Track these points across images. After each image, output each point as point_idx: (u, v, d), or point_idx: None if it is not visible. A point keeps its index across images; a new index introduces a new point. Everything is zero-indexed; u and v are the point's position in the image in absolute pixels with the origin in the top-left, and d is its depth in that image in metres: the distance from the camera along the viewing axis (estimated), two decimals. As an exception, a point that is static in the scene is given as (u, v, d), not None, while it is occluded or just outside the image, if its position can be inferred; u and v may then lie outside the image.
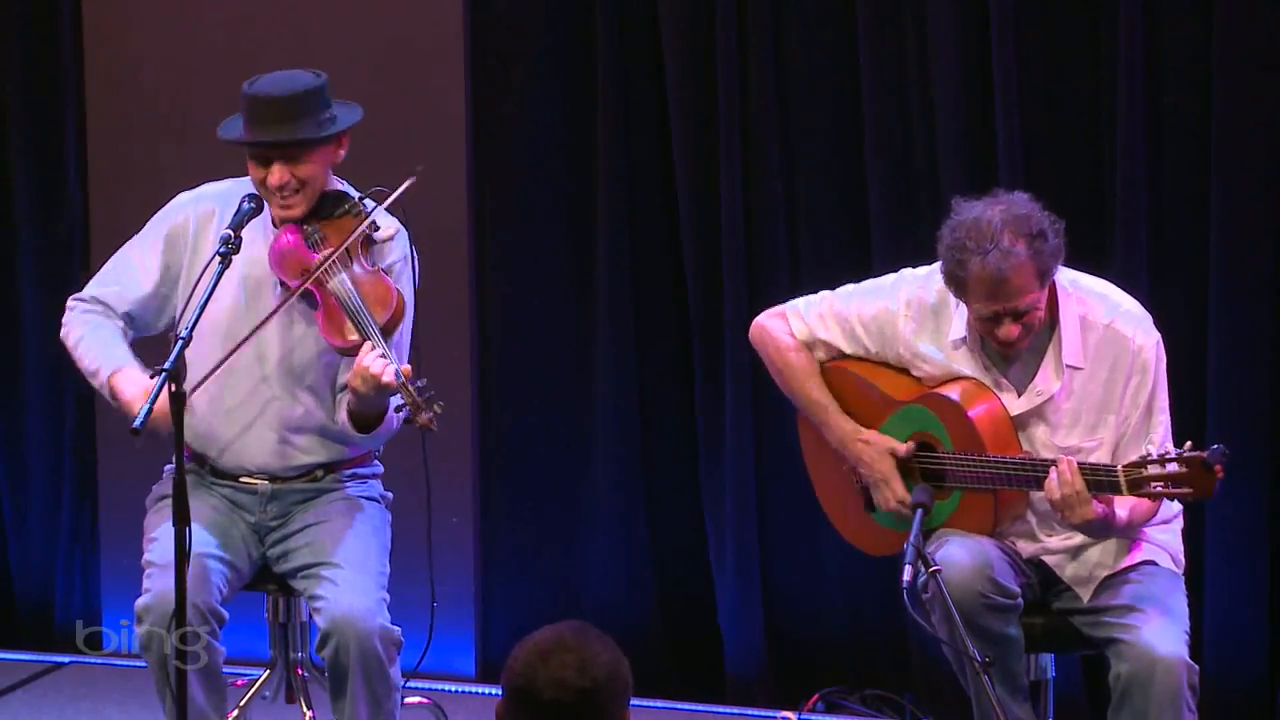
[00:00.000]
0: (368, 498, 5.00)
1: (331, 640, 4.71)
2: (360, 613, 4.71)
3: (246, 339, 4.74)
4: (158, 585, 4.72)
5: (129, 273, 4.97)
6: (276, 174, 4.80)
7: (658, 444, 6.25)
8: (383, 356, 4.65)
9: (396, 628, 4.76)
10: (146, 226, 5.01)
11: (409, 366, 4.68)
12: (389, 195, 4.83)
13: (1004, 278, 4.53)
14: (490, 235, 6.26)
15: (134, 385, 4.75)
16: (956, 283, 4.61)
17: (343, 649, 4.69)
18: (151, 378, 4.58)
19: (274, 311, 4.77)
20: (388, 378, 4.61)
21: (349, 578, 4.77)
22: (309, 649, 5.09)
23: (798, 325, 4.92)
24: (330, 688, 4.77)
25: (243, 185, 4.96)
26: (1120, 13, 5.59)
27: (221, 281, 4.66)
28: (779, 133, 6.00)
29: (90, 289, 4.98)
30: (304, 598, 4.89)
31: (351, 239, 4.77)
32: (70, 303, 4.98)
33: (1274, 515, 5.67)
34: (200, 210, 4.97)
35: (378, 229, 4.86)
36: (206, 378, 4.68)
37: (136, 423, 4.52)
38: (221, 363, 4.71)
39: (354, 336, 4.74)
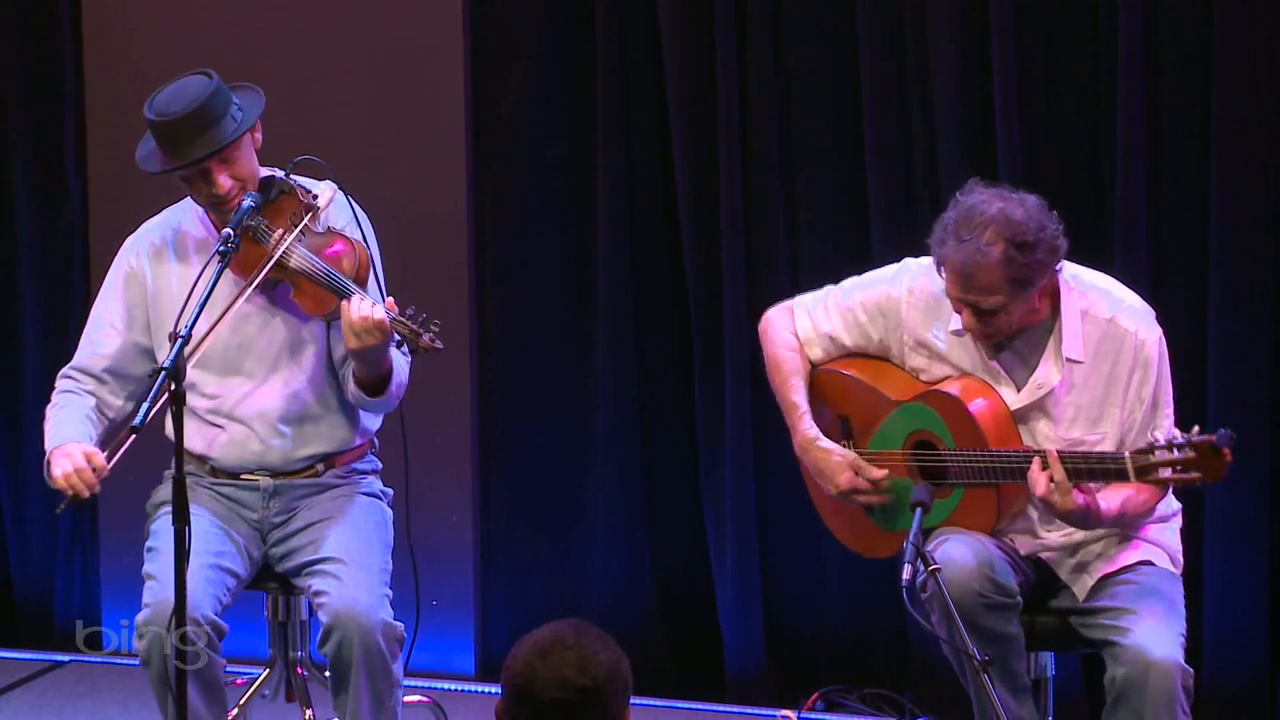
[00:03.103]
0: (368, 494, 5.01)
1: (334, 635, 4.71)
2: (363, 607, 4.72)
3: (220, 318, 4.73)
4: (156, 598, 4.72)
5: (98, 331, 5.01)
6: (222, 182, 4.82)
7: (658, 444, 6.25)
8: (364, 301, 4.68)
9: (399, 623, 4.77)
10: (105, 281, 5.05)
11: (391, 300, 4.71)
12: (318, 163, 4.86)
13: (970, 272, 4.55)
14: (490, 235, 6.26)
15: (63, 461, 4.73)
16: (937, 259, 4.64)
17: (345, 644, 4.69)
18: (151, 377, 4.59)
19: (246, 288, 4.77)
20: (379, 315, 4.64)
21: (351, 573, 4.78)
22: (309, 648, 5.10)
23: (802, 321, 4.91)
24: (332, 684, 4.77)
25: (180, 211, 5.01)
26: (1120, 12, 5.59)
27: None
28: (779, 133, 6.00)
29: (74, 360, 5.01)
30: (306, 595, 4.89)
31: (304, 222, 4.79)
32: (57, 380, 5.01)
33: (1274, 515, 5.67)
34: (147, 244, 5.00)
35: (314, 197, 4.86)
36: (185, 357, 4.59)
37: (136, 421, 4.51)
38: (199, 345, 4.69)
39: (332, 298, 4.77)
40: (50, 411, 4.96)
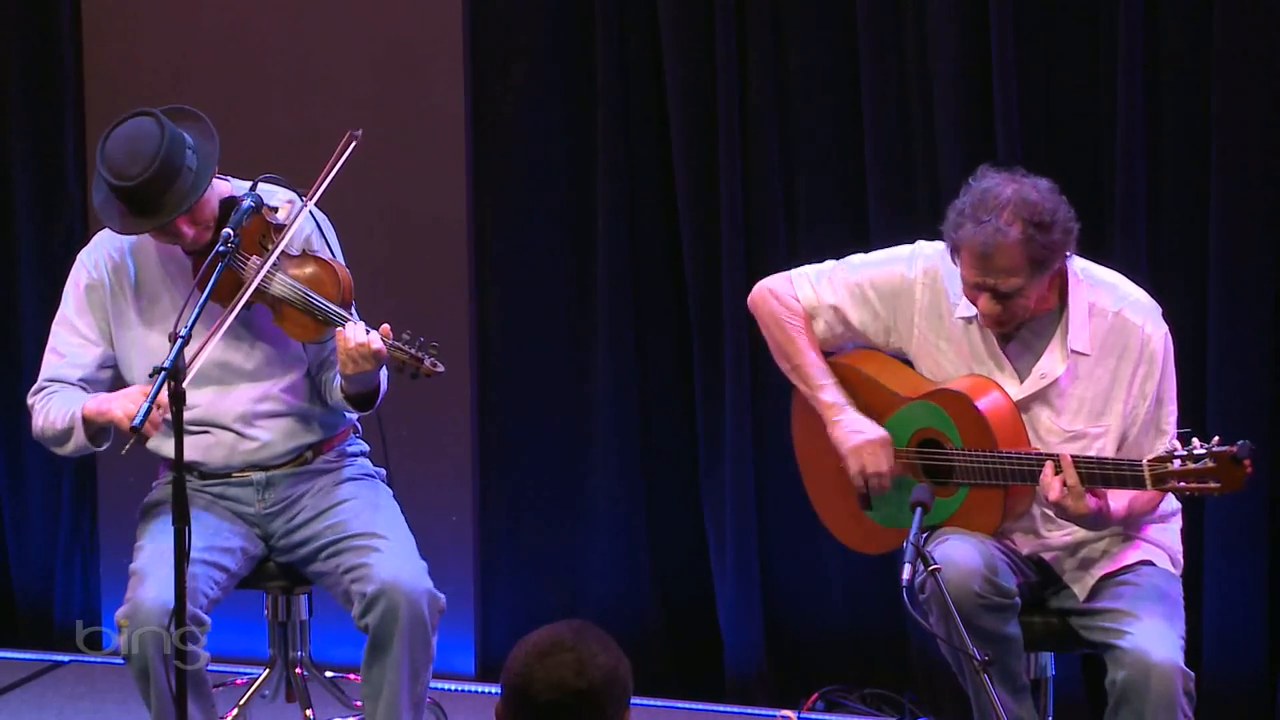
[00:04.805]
0: (365, 475, 5.04)
1: (379, 604, 4.71)
2: (410, 575, 4.75)
3: (201, 348, 4.70)
4: (138, 595, 4.72)
5: (67, 344, 4.97)
6: (186, 233, 4.80)
7: (658, 444, 6.25)
8: (359, 327, 4.69)
9: (441, 594, 4.79)
10: (63, 297, 5.01)
11: (387, 326, 4.71)
12: (280, 182, 4.85)
13: (989, 254, 4.54)
14: (490, 235, 6.26)
15: (122, 401, 4.71)
16: (952, 244, 4.63)
17: (390, 612, 4.71)
18: (151, 377, 4.58)
19: (227, 315, 4.75)
20: (376, 345, 4.66)
21: (391, 545, 4.81)
22: (309, 648, 5.10)
23: (804, 289, 4.90)
24: (368, 653, 4.76)
25: None
26: (1120, 13, 5.58)
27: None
28: (779, 133, 5.99)
29: (44, 374, 4.97)
30: (332, 576, 4.85)
31: (277, 246, 4.76)
32: (28, 400, 4.96)
33: (1274, 514, 5.67)
34: (105, 256, 4.99)
35: (275, 211, 4.83)
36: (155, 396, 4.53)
37: (136, 421, 4.51)
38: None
39: (322, 327, 4.77)
40: (44, 402, 4.89)
